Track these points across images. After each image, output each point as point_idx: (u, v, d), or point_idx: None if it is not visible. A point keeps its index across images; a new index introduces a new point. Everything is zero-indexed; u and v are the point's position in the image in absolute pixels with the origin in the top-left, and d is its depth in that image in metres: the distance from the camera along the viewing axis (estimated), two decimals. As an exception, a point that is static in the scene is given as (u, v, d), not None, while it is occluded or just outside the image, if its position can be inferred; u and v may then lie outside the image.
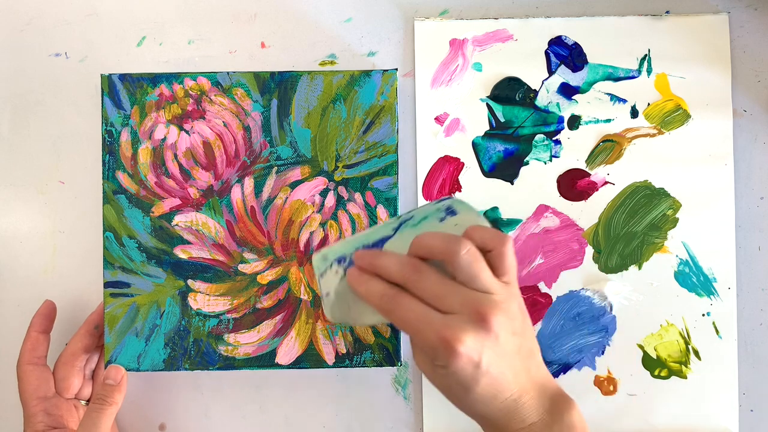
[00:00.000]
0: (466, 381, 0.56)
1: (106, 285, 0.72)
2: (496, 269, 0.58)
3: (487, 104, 0.76)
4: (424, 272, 0.58)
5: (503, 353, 0.56)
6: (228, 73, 0.73)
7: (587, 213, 0.76)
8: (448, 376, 0.57)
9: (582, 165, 0.76)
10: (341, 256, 0.63)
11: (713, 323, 0.75)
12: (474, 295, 0.57)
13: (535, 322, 0.76)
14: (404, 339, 0.75)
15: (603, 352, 0.76)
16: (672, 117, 0.76)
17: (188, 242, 0.72)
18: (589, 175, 0.76)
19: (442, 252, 0.58)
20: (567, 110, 0.76)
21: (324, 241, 0.72)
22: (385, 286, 0.60)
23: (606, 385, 0.76)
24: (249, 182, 0.72)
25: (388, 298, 0.59)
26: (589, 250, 0.76)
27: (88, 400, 0.74)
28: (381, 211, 0.72)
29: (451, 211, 0.62)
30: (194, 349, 0.71)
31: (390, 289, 0.59)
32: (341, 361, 0.72)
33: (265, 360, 0.72)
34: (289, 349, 0.72)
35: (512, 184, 0.76)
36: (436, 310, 0.57)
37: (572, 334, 0.76)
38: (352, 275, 0.62)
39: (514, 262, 0.59)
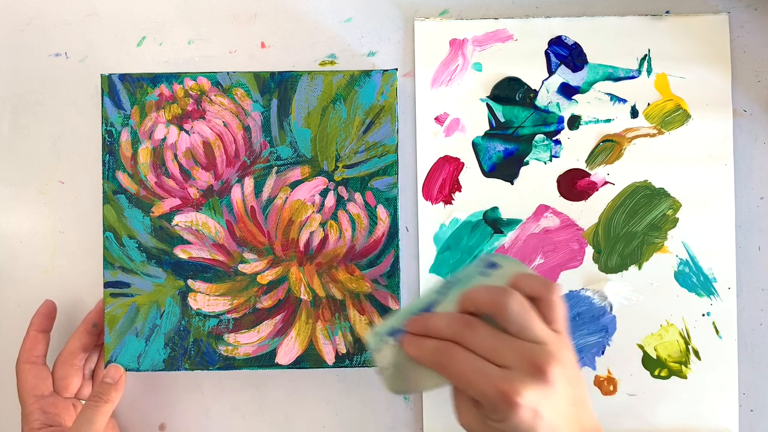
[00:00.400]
0: (523, 427, 0.55)
1: (106, 285, 0.72)
2: (545, 317, 0.57)
3: (487, 104, 0.76)
4: (475, 326, 0.57)
5: (560, 404, 0.56)
6: (228, 73, 0.73)
7: (587, 213, 0.76)
8: (503, 421, 0.56)
9: (582, 165, 0.76)
10: (394, 329, 0.63)
11: (713, 323, 0.75)
12: (528, 346, 0.56)
13: (535, 322, 0.76)
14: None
15: (603, 352, 0.76)
16: (672, 117, 0.76)
17: (188, 242, 0.72)
18: (589, 175, 0.76)
19: (490, 304, 0.57)
20: (567, 110, 0.76)
21: (324, 242, 0.72)
22: (438, 342, 0.59)
23: (606, 385, 0.76)
24: (249, 182, 0.72)
25: (442, 353, 0.58)
26: (589, 250, 0.76)
27: (88, 400, 0.74)
28: (381, 211, 0.72)
29: (492, 265, 0.61)
30: (194, 349, 0.71)
31: (443, 345, 0.58)
32: (341, 361, 0.72)
33: (265, 360, 0.72)
34: (289, 349, 0.72)
35: (512, 184, 0.76)
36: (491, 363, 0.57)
37: (572, 334, 0.76)
38: (406, 341, 0.61)
39: (564, 309, 0.59)
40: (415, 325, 0.61)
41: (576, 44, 0.76)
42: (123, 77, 0.72)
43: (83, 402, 0.74)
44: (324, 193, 0.72)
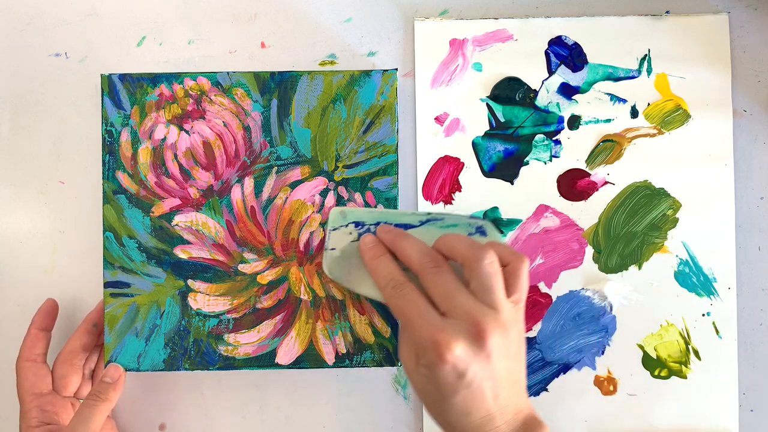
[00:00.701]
0: (445, 388, 0.56)
1: (106, 285, 0.72)
2: (508, 286, 0.58)
3: (487, 104, 0.76)
4: (443, 268, 0.59)
5: (490, 373, 0.56)
6: (228, 73, 0.72)
7: (587, 213, 0.76)
8: (428, 377, 0.57)
9: (582, 165, 0.76)
10: (361, 221, 0.64)
11: (713, 323, 0.76)
12: (479, 307, 0.57)
13: (535, 322, 0.76)
14: (404, 339, 0.75)
15: (603, 352, 0.76)
16: (672, 117, 0.76)
17: (188, 242, 0.72)
18: (589, 175, 0.76)
19: (466, 255, 0.58)
20: (567, 110, 0.76)
21: (324, 241, 0.72)
22: (397, 270, 0.60)
23: (606, 385, 0.76)
24: (249, 182, 0.72)
25: (395, 284, 0.59)
26: (589, 250, 0.76)
27: (87, 400, 0.75)
28: (381, 211, 0.72)
29: (481, 231, 0.63)
30: (194, 349, 0.71)
31: (400, 276, 0.60)
32: (341, 361, 0.72)
33: (265, 360, 0.71)
34: (289, 349, 0.72)
35: (512, 184, 0.76)
36: (437, 311, 0.57)
37: (572, 334, 0.76)
38: (367, 243, 0.62)
39: (527, 285, 0.60)
40: (387, 234, 0.62)
41: (576, 44, 0.76)
42: (123, 77, 0.72)
43: (82, 401, 0.74)
44: (324, 193, 0.72)
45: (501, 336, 0.56)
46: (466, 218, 0.63)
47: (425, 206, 0.76)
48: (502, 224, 0.76)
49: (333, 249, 0.65)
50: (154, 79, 0.72)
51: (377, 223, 0.64)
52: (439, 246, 0.61)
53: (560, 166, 0.76)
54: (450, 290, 0.57)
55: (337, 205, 0.72)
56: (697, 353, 0.76)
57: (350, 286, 0.65)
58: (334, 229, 0.65)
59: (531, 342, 0.76)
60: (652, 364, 0.76)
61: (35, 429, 0.70)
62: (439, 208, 0.75)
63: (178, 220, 0.72)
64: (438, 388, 0.57)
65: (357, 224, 0.64)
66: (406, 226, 0.64)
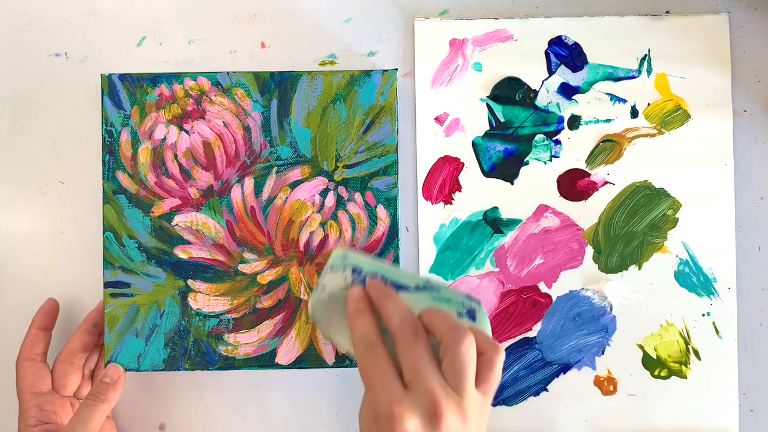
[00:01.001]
0: None
1: (106, 285, 0.72)
2: (480, 375, 0.57)
3: (487, 104, 0.76)
4: (419, 340, 0.57)
5: None
6: (228, 73, 0.73)
7: (587, 213, 0.76)
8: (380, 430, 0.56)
9: (582, 165, 0.76)
10: (360, 268, 0.63)
11: (713, 323, 0.76)
12: (445, 388, 0.55)
13: (535, 322, 0.76)
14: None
15: (603, 352, 0.76)
16: (672, 117, 0.76)
17: (188, 242, 0.72)
18: (589, 175, 0.76)
19: (446, 334, 0.57)
20: (567, 110, 0.76)
21: (324, 242, 0.72)
22: (374, 330, 0.59)
23: (606, 385, 0.76)
24: (249, 182, 0.72)
25: (368, 343, 0.58)
26: (589, 250, 0.76)
27: (87, 400, 0.75)
28: (381, 211, 0.72)
29: (471, 314, 0.62)
30: (194, 349, 0.71)
31: (375, 337, 0.59)
32: (341, 361, 0.72)
33: (265, 360, 0.71)
34: (289, 349, 0.72)
35: (512, 184, 0.76)
36: (401, 381, 0.56)
37: (572, 334, 0.76)
38: (354, 295, 0.61)
39: (499, 377, 0.58)
40: (376, 289, 0.62)
41: (576, 44, 0.76)
42: (123, 77, 0.72)
43: (81, 401, 0.74)
44: (324, 193, 0.72)
45: (458, 422, 0.54)
46: (462, 296, 0.63)
47: (424, 207, 0.76)
48: (502, 224, 0.76)
49: (323, 289, 0.64)
50: (154, 79, 0.72)
51: (374, 275, 0.64)
52: (423, 317, 0.60)
53: (560, 166, 0.76)
54: (420, 364, 0.56)
55: (336, 205, 0.72)
56: (697, 353, 0.76)
57: (328, 331, 0.64)
58: (331, 268, 0.64)
59: (531, 342, 0.76)
60: (652, 364, 0.76)
61: (33, 428, 0.70)
62: (439, 279, 0.74)
63: (178, 220, 0.72)
64: None
65: (354, 270, 0.64)
66: (401, 287, 0.63)
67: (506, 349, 0.76)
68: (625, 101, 0.76)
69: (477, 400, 0.56)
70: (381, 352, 0.58)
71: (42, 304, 0.74)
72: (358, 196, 0.72)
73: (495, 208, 0.76)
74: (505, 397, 0.76)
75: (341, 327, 0.64)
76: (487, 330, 0.62)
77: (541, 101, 0.76)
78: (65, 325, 0.76)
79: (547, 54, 0.77)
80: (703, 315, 0.76)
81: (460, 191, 0.76)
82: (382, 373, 0.56)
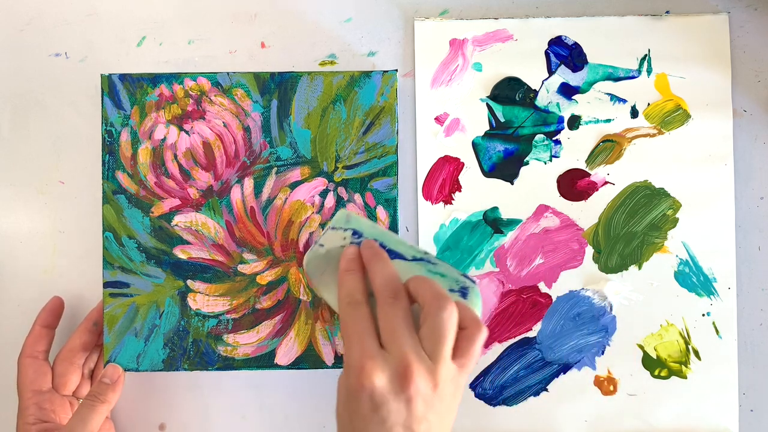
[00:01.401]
0: (357, 419, 0.55)
1: (106, 285, 0.72)
2: (458, 348, 0.57)
3: (487, 104, 0.76)
4: (400, 303, 0.58)
5: (406, 420, 0.55)
6: (228, 73, 0.73)
7: (587, 213, 0.76)
8: (346, 403, 0.56)
9: (582, 165, 0.76)
10: (361, 231, 0.64)
11: (713, 323, 0.76)
12: (418, 351, 0.55)
13: (535, 322, 0.76)
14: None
15: (603, 352, 0.76)
16: (672, 117, 0.76)
17: (188, 242, 0.72)
18: (589, 175, 0.76)
19: (428, 300, 0.57)
20: (567, 110, 0.76)
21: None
22: (360, 289, 0.59)
23: (606, 385, 0.76)
24: (249, 183, 0.72)
25: (351, 300, 0.59)
26: (589, 250, 0.76)
27: (86, 400, 0.75)
28: (380, 212, 0.72)
29: (464, 293, 0.62)
30: (193, 349, 0.72)
31: (360, 295, 0.59)
32: (340, 361, 0.72)
33: (265, 360, 0.72)
34: (288, 350, 0.72)
35: (512, 184, 0.76)
36: (379, 341, 0.57)
37: (572, 334, 0.76)
38: (348, 255, 0.62)
39: (478, 355, 0.58)
40: (366, 251, 0.62)
41: (576, 44, 0.76)
42: (123, 77, 0.72)
43: (80, 401, 0.74)
44: (324, 194, 0.72)
45: (428, 387, 0.55)
46: (458, 274, 0.63)
47: (424, 207, 0.76)
48: (502, 224, 0.76)
49: (321, 245, 0.65)
50: (154, 79, 0.72)
51: (374, 239, 0.64)
52: (410, 283, 0.60)
53: (560, 166, 0.76)
54: (396, 325, 0.56)
55: (336, 206, 0.72)
56: (697, 353, 0.76)
57: (317, 285, 0.65)
58: (333, 228, 0.65)
59: (531, 342, 0.76)
60: (652, 364, 0.76)
61: (32, 426, 0.70)
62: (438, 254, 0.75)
63: (178, 220, 0.72)
64: (351, 418, 0.56)
65: (355, 233, 0.64)
66: (397, 255, 0.63)
67: (506, 349, 0.76)
68: (625, 101, 0.76)
69: (451, 371, 0.56)
70: (363, 310, 0.58)
71: (47, 301, 0.75)
72: (357, 197, 0.72)
73: (495, 208, 0.76)
74: (505, 397, 0.76)
75: (330, 284, 0.64)
76: (477, 311, 0.62)
77: (541, 101, 0.76)
78: (65, 324, 0.76)
79: (547, 54, 0.77)
80: (703, 315, 0.76)
81: (460, 191, 0.76)
82: (360, 329, 0.57)
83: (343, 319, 0.59)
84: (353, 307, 0.59)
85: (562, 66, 0.76)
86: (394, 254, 0.63)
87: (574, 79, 0.76)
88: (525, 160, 0.76)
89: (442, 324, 0.56)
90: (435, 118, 0.76)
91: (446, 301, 0.57)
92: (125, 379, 0.72)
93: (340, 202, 0.72)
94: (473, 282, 0.62)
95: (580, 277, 0.76)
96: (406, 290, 0.60)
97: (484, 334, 0.58)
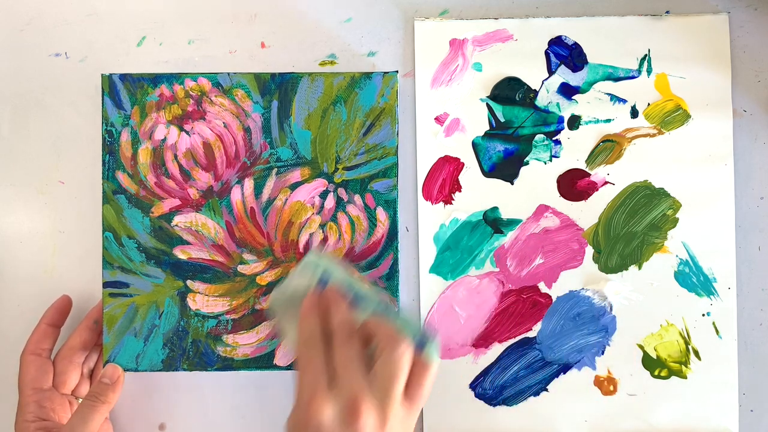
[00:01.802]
0: None
1: (105, 285, 0.72)
2: (410, 386, 0.58)
3: (487, 104, 0.76)
4: (354, 342, 0.58)
5: None
6: (228, 74, 0.73)
7: (587, 213, 0.76)
8: (296, 425, 0.56)
9: (582, 165, 0.76)
10: (329, 276, 0.64)
11: (713, 323, 0.76)
12: (369, 389, 0.56)
13: (535, 322, 0.76)
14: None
15: (603, 352, 0.76)
16: (672, 117, 0.76)
17: (188, 243, 0.72)
18: (589, 175, 0.76)
19: (384, 339, 0.58)
20: (567, 110, 0.76)
21: (324, 243, 0.72)
22: (319, 331, 0.60)
23: (606, 385, 0.76)
24: (249, 183, 0.72)
25: (308, 338, 0.59)
26: (589, 250, 0.76)
27: (85, 399, 0.75)
28: (380, 213, 0.72)
29: (421, 345, 0.62)
30: (193, 349, 0.72)
31: (317, 335, 0.60)
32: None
33: (264, 361, 0.72)
34: (287, 351, 0.72)
35: (512, 184, 0.76)
36: (331, 379, 0.57)
37: (572, 334, 0.76)
38: (312, 297, 0.62)
39: (428, 393, 0.59)
40: (329, 294, 0.62)
41: (576, 44, 0.76)
42: (123, 77, 0.72)
43: (80, 400, 0.74)
44: (324, 195, 0.72)
45: (376, 423, 0.55)
46: (420, 327, 0.63)
47: (424, 207, 0.76)
48: (502, 224, 0.76)
49: (287, 285, 0.65)
50: (155, 79, 0.72)
51: (340, 284, 0.64)
52: (368, 323, 0.60)
53: (560, 166, 0.76)
54: (348, 363, 0.57)
55: (336, 207, 0.72)
56: (697, 353, 0.76)
57: (280, 326, 0.65)
58: (303, 267, 0.65)
59: (531, 342, 0.76)
60: (652, 364, 0.76)
61: (31, 424, 0.70)
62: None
63: (178, 220, 0.72)
64: None
65: (323, 277, 0.65)
66: (363, 302, 0.64)
67: (506, 349, 0.76)
68: (625, 101, 0.76)
69: (401, 409, 0.57)
70: (318, 349, 0.59)
71: (55, 300, 0.75)
72: (357, 198, 0.72)
73: (495, 208, 0.76)
74: (505, 397, 0.76)
75: (291, 325, 0.64)
76: (436, 356, 0.62)
77: (541, 101, 0.76)
78: (65, 324, 0.76)
79: (547, 54, 0.76)
80: (703, 315, 0.76)
81: (460, 191, 0.76)
82: (313, 367, 0.57)
83: (298, 357, 0.60)
84: (308, 346, 0.59)
85: (562, 66, 0.76)
86: (358, 300, 0.63)
87: (574, 79, 0.76)
88: (525, 160, 0.76)
89: (395, 362, 0.56)
90: (435, 118, 0.76)
91: (400, 341, 0.57)
92: (126, 380, 0.72)
93: (339, 203, 0.72)
94: (434, 336, 0.63)
95: (580, 277, 0.76)
96: (365, 330, 0.60)
97: (434, 369, 0.59)
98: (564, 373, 0.76)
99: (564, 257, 0.76)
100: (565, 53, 0.76)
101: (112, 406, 0.71)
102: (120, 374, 0.71)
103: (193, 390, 0.77)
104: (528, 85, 0.76)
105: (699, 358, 0.76)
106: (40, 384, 0.71)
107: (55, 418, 0.71)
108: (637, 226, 0.76)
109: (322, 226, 0.72)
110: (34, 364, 0.72)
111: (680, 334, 0.76)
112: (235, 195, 0.72)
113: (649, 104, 0.76)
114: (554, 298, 0.76)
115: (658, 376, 0.76)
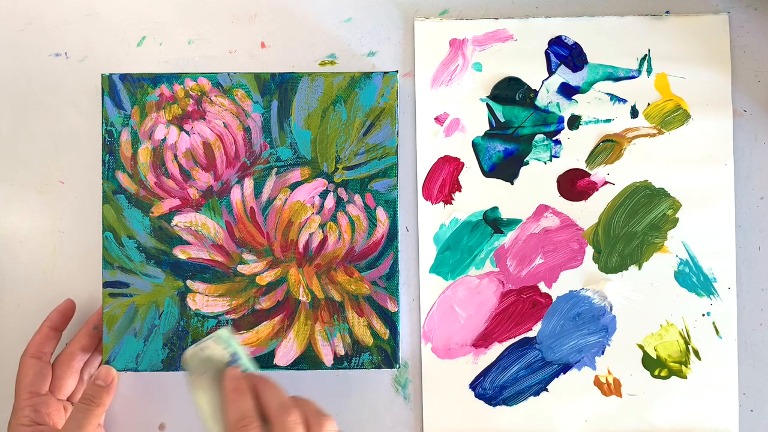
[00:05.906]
0: None
1: (105, 285, 0.72)
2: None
3: (487, 104, 0.76)
4: (252, 421, 0.62)
5: None
6: (228, 73, 0.73)
7: (587, 213, 0.76)
8: None
9: (582, 165, 0.76)
10: (238, 356, 0.66)
11: (713, 323, 0.76)
12: None
13: (535, 322, 0.76)
14: (403, 340, 0.75)
15: (603, 352, 0.76)
16: (672, 117, 0.76)
17: (187, 243, 0.72)
18: (589, 175, 0.76)
19: (277, 406, 0.62)
20: (567, 110, 0.76)
21: (323, 243, 0.72)
22: (253, 411, 0.63)
23: (606, 385, 0.76)
24: (249, 183, 0.72)
25: (247, 423, 0.62)
26: (589, 250, 0.76)
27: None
28: (380, 213, 0.72)
29: (234, 359, 0.66)
30: (193, 349, 0.72)
31: (253, 417, 0.62)
32: (339, 362, 0.72)
33: (264, 361, 0.72)
34: (287, 351, 0.72)
35: (512, 184, 0.76)
36: None
37: (572, 334, 0.76)
38: (236, 374, 0.65)
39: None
40: (256, 378, 0.65)
41: (576, 44, 0.76)
42: (123, 77, 0.72)
43: (75, 404, 0.73)
44: (324, 195, 0.72)
45: None
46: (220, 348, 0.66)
47: (424, 207, 0.76)
48: (502, 224, 0.76)
49: (203, 349, 0.65)
50: (155, 79, 0.72)
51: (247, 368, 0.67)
52: (264, 393, 0.64)
53: (560, 166, 0.76)
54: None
55: (336, 207, 0.72)
56: (697, 353, 0.76)
57: (193, 383, 0.65)
58: (214, 341, 0.66)
59: (531, 342, 0.76)
60: (652, 364, 0.76)
61: (26, 428, 0.69)
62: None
63: (178, 220, 0.72)
64: None
65: (234, 354, 0.66)
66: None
67: (506, 349, 0.76)
68: (625, 101, 0.76)
69: None
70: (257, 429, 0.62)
71: (59, 303, 0.75)
72: (357, 197, 0.72)
73: (495, 208, 0.76)
74: (505, 397, 0.76)
75: (206, 388, 0.65)
76: (236, 347, 0.66)
77: (541, 101, 0.76)
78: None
79: (547, 54, 0.77)
80: (703, 315, 0.76)
81: (460, 191, 0.76)
82: None
83: None
84: (246, 424, 0.62)
85: (562, 66, 0.76)
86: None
87: (574, 79, 0.76)
88: (525, 160, 0.76)
89: (290, 426, 0.60)
90: (435, 118, 0.76)
91: (293, 409, 0.61)
92: (126, 380, 0.72)
93: (339, 203, 0.72)
94: (219, 334, 0.66)
95: (580, 277, 0.76)
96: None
97: (330, 424, 0.62)
98: (564, 373, 0.76)
99: (564, 257, 0.76)
100: (565, 53, 0.76)
101: (107, 408, 0.70)
102: (114, 376, 0.71)
103: (193, 390, 0.77)
104: (528, 85, 0.76)
105: (699, 358, 0.76)
106: (38, 388, 0.71)
107: (49, 423, 0.70)
108: (637, 226, 0.76)
109: (322, 225, 0.72)
110: (34, 368, 0.71)
111: (680, 334, 0.76)
112: (235, 195, 0.72)
113: (649, 104, 0.76)
114: (554, 298, 0.76)
115: (658, 376, 0.76)
